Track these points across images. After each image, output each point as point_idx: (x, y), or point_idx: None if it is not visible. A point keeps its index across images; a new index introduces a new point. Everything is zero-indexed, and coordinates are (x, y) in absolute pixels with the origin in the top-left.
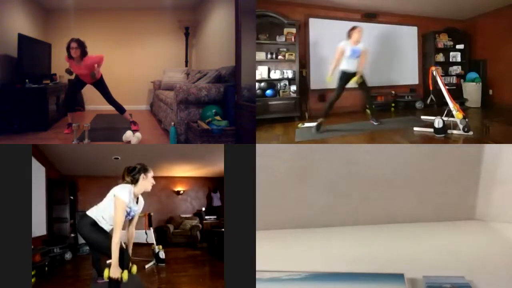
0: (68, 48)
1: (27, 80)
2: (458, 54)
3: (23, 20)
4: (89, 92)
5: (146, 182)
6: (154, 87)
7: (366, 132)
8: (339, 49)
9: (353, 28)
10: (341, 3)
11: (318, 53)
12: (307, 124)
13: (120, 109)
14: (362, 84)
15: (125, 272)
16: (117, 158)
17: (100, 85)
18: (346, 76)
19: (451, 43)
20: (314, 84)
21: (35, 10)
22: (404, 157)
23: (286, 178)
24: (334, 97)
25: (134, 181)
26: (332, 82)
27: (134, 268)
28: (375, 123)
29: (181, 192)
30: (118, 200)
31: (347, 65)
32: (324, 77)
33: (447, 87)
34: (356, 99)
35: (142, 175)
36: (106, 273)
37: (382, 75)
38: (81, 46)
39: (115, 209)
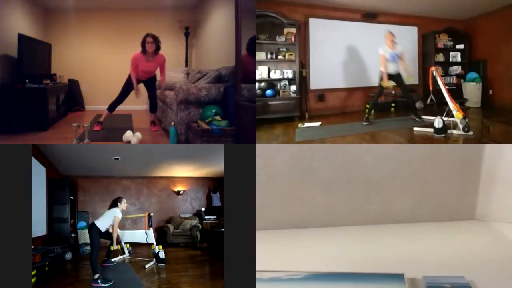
0: (144, 43)
1: (27, 80)
2: (458, 54)
3: (23, 20)
4: (89, 92)
5: (122, 205)
6: None
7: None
8: (382, 57)
9: (386, 33)
10: (341, 3)
11: (318, 53)
12: (307, 124)
13: (155, 107)
14: (400, 83)
15: (117, 246)
16: (117, 158)
17: (153, 83)
18: (391, 78)
19: (451, 43)
20: (314, 84)
21: (35, 10)
22: (404, 157)
23: (286, 178)
24: (377, 96)
25: (116, 205)
26: (389, 85)
27: (118, 246)
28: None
29: (181, 192)
30: (117, 218)
31: (389, 69)
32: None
33: (447, 87)
34: (356, 99)
35: (118, 203)
36: (111, 247)
37: None
38: (156, 41)
39: (114, 222)
